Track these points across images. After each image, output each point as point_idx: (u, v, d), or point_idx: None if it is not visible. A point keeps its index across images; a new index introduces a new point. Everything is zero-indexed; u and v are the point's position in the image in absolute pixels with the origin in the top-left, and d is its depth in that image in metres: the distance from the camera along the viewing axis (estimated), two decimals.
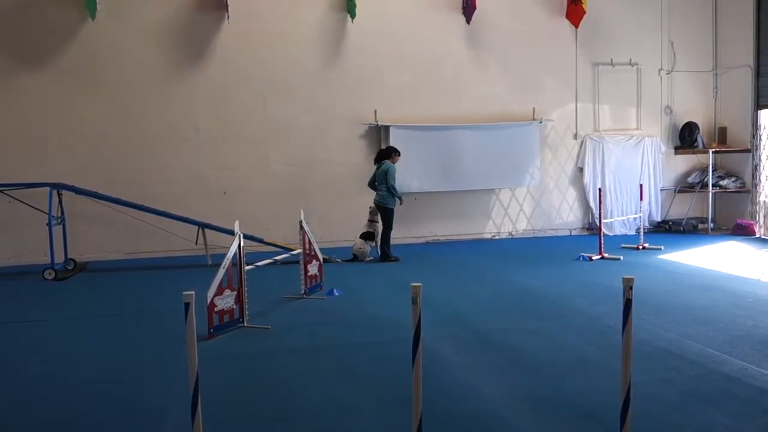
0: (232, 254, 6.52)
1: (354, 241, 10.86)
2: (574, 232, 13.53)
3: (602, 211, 11.02)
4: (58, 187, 10.02)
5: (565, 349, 5.79)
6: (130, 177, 11.24)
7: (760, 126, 12.83)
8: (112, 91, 11.25)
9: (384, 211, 10.54)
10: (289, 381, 5.13)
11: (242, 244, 6.70)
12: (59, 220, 10.13)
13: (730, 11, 13.38)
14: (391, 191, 10.48)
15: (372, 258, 10.70)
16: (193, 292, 3.38)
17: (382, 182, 10.53)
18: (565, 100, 13.27)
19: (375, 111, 12.11)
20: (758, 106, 12.86)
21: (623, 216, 13.17)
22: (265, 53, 11.78)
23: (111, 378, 5.31)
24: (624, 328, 3.25)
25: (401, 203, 10.74)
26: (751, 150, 12.97)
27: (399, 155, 10.83)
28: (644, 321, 6.47)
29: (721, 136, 13.68)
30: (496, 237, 13.11)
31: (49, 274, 9.53)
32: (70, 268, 10.30)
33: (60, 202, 10.19)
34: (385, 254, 10.53)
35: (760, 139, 12.81)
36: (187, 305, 3.28)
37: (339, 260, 10.57)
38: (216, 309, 6.34)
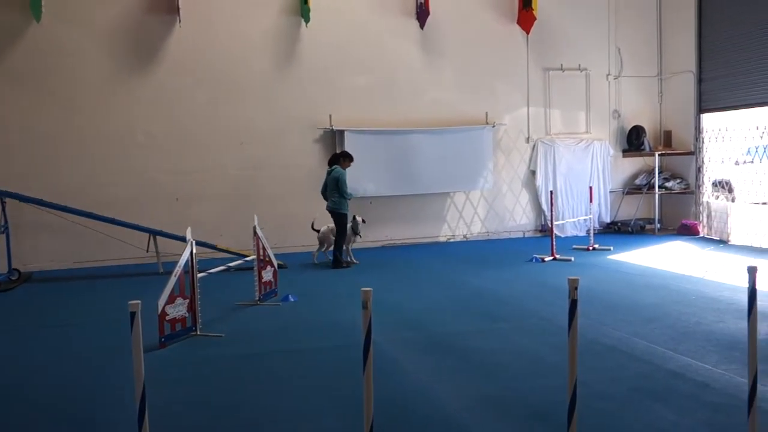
0: (184, 261, 6.44)
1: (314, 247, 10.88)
2: (527, 234, 13.74)
3: (554, 213, 11.24)
4: (1, 194, 9.72)
5: (518, 350, 5.88)
6: (79, 183, 10.99)
7: (702, 129, 13.24)
8: (59, 96, 10.99)
9: (338, 217, 10.40)
10: (244, 389, 5.08)
11: (194, 251, 6.62)
12: (2, 229, 9.81)
13: (674, 19, 13.80)
14: (344, 197, 10.36)
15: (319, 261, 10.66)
16: (139, 301, 3.32)
17: (333, 189, 10.36)
18: (517, 104, 13.48)
19: (330, 115, 12.10)
20: (701, 110, 13.28)
21: (574, 218, 13.45)
22: (218, 57, 11.66)
23: (57, 392, 5.17)
24: (570, 328, 3.32)
25: (358, 223, 10.74)
26: (695, 152, 13.38)
27: (351, 161, 10.68)
28: (593, 320, 6.62)
29: (667, 139, 14.09)
30: (451, 240, 13.23)
31: None
32: (13, 278, 9.95)
33: (3, 209, 9.84)
34: (338, 260, 10.42)
35: (703, 141, 13.22)
36: (132, 315, 3.23)
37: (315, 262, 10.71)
38: (167, 318, 6.25)
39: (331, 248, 10.70)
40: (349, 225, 10.56)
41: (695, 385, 4.84)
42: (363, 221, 10.83)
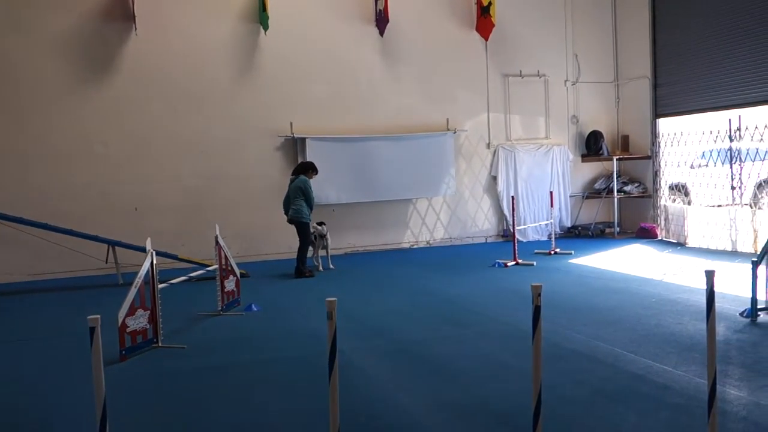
0: (145, 272, 6.32)
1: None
2: (489, 239, 13.85)
3: (515, 218, 11.35)
4: None
5: (481, 356, 5.91)
6: (34, 195, 10.72)
7: (658, 134, 13.55)
8: (14, 105, 10.73)
9: (300, 225, 10.25)
10: (207, 401, 5.00)
11: (155, 261, 6.50)
12: None
13: (629, 26, 14.11)
14: (310, 205, 10.24)
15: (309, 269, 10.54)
16: (99, 316, 3.24)
17: (297, 197, 10.21)
18: (478, 110, 13.61)
19: (291, 123, 12.04)
20: (656, 114, 13.59)
21: (535, 222, 13.60)
22: (175, 65, 11.51)
23: (13, 408, 5.02)
24: (534, 334, 3.35)
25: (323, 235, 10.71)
26: (652, 157, 13.67)
27: (316, 172, 10.57)
28: (556, 324, 6.69)
29: (624, 143, 14.37)
30: (415, 246, 13.26)
31: None
32: None
33: None
34: (300, 270, 10.27)
35: (659, 146, 13.52)
36: (92, 330, 3.15)
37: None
38: (128, 330, 6.12)
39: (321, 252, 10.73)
40: (312, 233, 10.50)
41: (656, 386, 4.92)
42: (322, 224, 10.76)
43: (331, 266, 10.84)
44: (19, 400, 5.18)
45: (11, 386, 5.55)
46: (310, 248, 10.62)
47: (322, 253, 10.93)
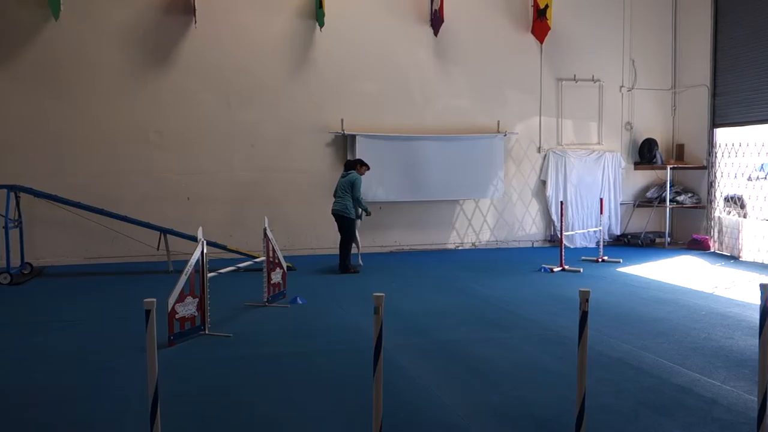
0: (195, 261, 6.47)
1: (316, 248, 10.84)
2: (536, 244, 13.71)
3: (563, 223, 11.21)
4: (15, 189, 9.79)
5: (523, 360, 5.88)
6: (91, 180, 11.07)
7: (715, 144, 13.20)
8: (74, 92, 11.08)
9: (343, 220, 10.26)
10: (251, 389, 5.10)
11: (205, 250, 6.65)
12: (16, 223, 9.90)
13: (689, 33, 13.77)
14: (357, 202, 10.25)
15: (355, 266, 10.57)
16: (155, 299, 3.35)
17: (345, 191, 10.24)
18: (529, 113, 13.48)
19: (341, 120, 12.14)
20: (714, 124, 13.23)
21: (584, 229, 13.41)
22: (231, 59, 11.73)
23: (64, 385, 5.21)
24: (580, 340, 3.33)
25: (368, 215, 10.55)
26: (707, 167, 13.34)
27: (367, 168, 10.63)
28: (601, 332, 6.60)
29: (679, 152, 14.05)
30: (460, 247, 13.22)
31: (5, 278, 9.33)
32: (26, 272, 10.06)
33: (17, 204, 9.92)
34: (345, 266, 10.35)
35: (716, 156, 13.18)
36: (147, 312, 3.25)
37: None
38: (177, 316, 6.28)
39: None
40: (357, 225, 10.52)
41: (703, 401, 4.82)
42: (367, 213, 10.59)
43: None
44: (70, 380, 5.37)
45: (63, 365, 5.75)
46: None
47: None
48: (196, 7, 11.10)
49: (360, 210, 10.38)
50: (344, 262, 10.37)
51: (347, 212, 10.24)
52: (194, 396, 4.98)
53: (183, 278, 6.30)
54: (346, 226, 10.31)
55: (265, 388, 5.14)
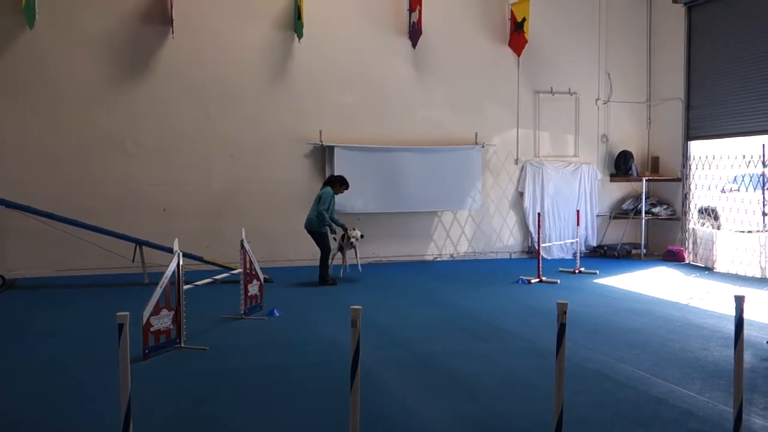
0: (171, 273, 6.39)
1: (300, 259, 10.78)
2: (513, 256, 13.77)
3: (541, 235, 11.27)
4: None
5: (502, 372, 5.88)
6: (65, 191, 10.91)
7: (690, 156, 13.38)
8: (49, 102, 10.94)
9: (315, 235, 10.25)
10: (226, 403, 5.03)
11: (181, 262, 6.57)
12: None
13: (664, 47, 13.99)
14: (320, 216, 10.08)
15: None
16: (128, 313, 3.30)
17: (314, 206, 10.25)
18: (507, 125, 13.57)
19: (320, 131, 12.12)
20: (688, 137, 13.43)
21: (561, 240, 13.50)
22: (210, 69, 11.67)
23: (36, 400, 5.10)
24: (558, 352, 3.33)
25: (332, 233, 10.32)
26: (682, 179, 13.51)
27: (346, 188, 10.56)
28: (578, 344, 6.63)
29: (654, 165, 14.22)
30: (438, 259, 13.23)
31: None
32: None
33: None
34: (323, 278, 10.30)
35: (690, 169, 13.36)
36: (120, 326, 3.19)
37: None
38: (152, 329, 6.19)
39: (344, 261, 10.75)
40: (338, 240, 10.50)
41: (679, 412, 4.85)
42: (360, 236, 10.58)
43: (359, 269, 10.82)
44: (42, 395, 5.26)
45: (34, 379, 5.63)
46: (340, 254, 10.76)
47: (351, 261, 10.84)
48: (174, 18, 11.03)
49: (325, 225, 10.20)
50: (322, 273, 10.31)
51: (314, 226, 10.20)
52: (169, 411, 4.89)
53: (158, 290, 6.22)
54: (318, 240, 10.27)
55: (241, 402, 5.07)
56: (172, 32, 11.15)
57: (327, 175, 11.49)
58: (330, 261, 10.51)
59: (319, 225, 10.17)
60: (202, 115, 11.67)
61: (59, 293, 9.71)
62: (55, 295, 9.61)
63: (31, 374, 5.77)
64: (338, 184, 10.53)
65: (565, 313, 3.27)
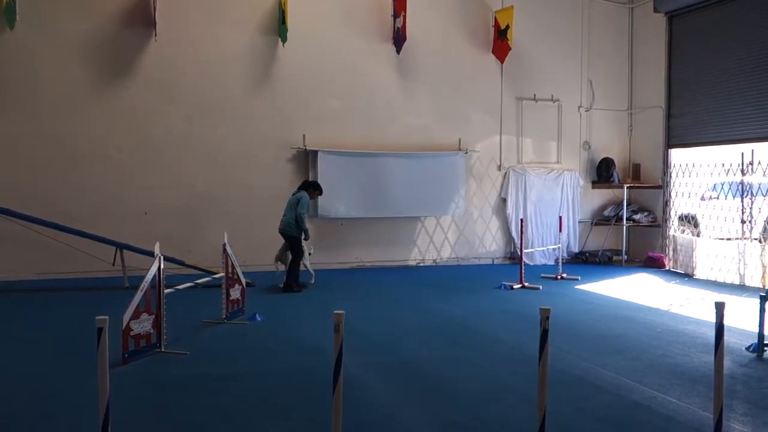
0: (152, 276, 6.33)
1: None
2: (496, 261, 13.81)
3: (523, 241, 11.32)
4: None
5: (485, 378, 5.88)
6: (45, 194, 10.78)
7: (670, 164, 13.52)
8: (29, 104, 10.82)
9: (290, 239, 10.13)
10: (207, 409, 4.98)
11: (162, 266, 6.51)
12: None
13: (645, 55, 14.15)
14: (298, 221, 10.01)
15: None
16: (107, 317, 3.25)
17: (291, 209, 10.11)
18: (490, 132, 13.63)
19: (303, 135, 12.09)
20: (669, 145, 13.57)
21: (543, 246, 13.56)
22: (193, 73, 11.61)
23: (12, 405, 5.01)
24: (540, 358, 3.33)
25: (306, 239, 10.24)
26: (662, 186, 13.64)
27: (320, 194, 10.67)
28: (561, 350, 6.64)
29: (635, 172, 14.35)
30: (421, 264, 13.23)
31: None
32: None
33: None
34: (287, 284, 10.06)
35: (671, 176, 13.49)
36: (99, 330, 3.15)
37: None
38: (132, 333, 6.12)
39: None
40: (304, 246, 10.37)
41: (660, 417, 4.87)
42: (305, 237, 10.37)
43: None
44: (19, 400, 5.18)
45: (11, 385, 5.54)
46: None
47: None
48: (157, 21, 10.96)
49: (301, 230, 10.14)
50: (288, 280, 10.12)
51: (291, 230, 10.10)
52: (148, 416, 4.83)
53: (139, 294, 6.15)
54: (293, 245, 10.17)
55: (221, 408, 5.02)
56: (155, 35, 11.08)
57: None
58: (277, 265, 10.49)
59: (297, 229, 10.10)
60: (184, 118, 11.59)
61: (39, 297, 9.59)
62: (35, 299, 9.48)
63: (8, 379, 5.67)
64: (313, 189, 10.52)
65: (547, 318, 3.28)
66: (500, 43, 13.18)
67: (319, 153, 12.04)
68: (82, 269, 10.73)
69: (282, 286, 10.14)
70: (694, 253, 12.30)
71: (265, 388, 5.53)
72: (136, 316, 6.14)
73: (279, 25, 11.79)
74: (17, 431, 4.54)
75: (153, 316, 6.38)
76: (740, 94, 11.81)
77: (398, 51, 12.69)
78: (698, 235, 12.66)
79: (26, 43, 10.73)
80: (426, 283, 11.13)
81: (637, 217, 13.93)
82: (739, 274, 11.27)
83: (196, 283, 7.77)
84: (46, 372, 5.88)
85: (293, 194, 10.39)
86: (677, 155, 13.44)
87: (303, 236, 10.17)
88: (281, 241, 10.53)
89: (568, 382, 5.69)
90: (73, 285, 10.35)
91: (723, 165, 11.97)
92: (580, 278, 11.54)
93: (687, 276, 12.19)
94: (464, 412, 4.97)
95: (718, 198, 12.34)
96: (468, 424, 4.74)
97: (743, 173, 11.39)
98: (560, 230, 12.29)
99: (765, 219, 11.58)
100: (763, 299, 6.61)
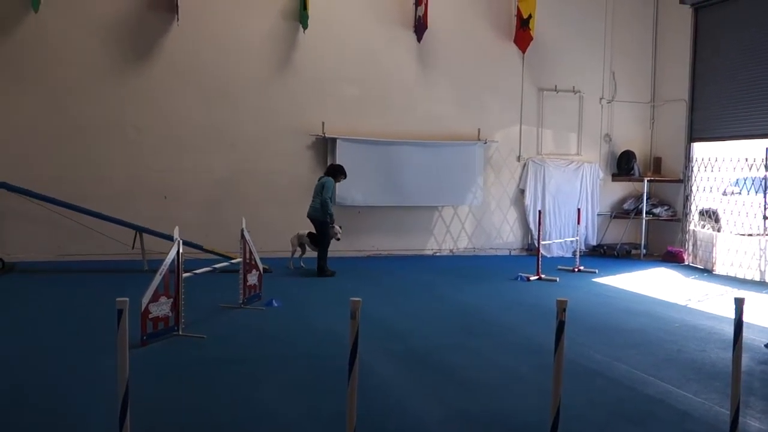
0: (170, 260, 6.38)
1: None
2: (513, 252, 13.77)
3: (541, 232, 11.26)
4: None
5: (498, 368, 5.88)
6: (65, 175, 10.89)
7: (692, 158, 13.36)
8: (51, 86, 10.92)
9: (319, 224, 10.30)
10: (222, 393, 5.03)
11: (181, 250, 6.57)
12: None
13: (669, 48, 13.95)
14: (323, 203, 10.15)
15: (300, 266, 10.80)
16: (127, 299, 3.29)
17: (317, 195, 10.27)
18: (510, 122, 13.54)
19: (323, 123, 12.09)
20: (691, 138, 13.40)
21: (561, 238, 13.49)
22: (213, 58, 11.64)
23: (32, 385, 5.10)
24: (556, 349, 3.32)
25: (331, 223, 10.35)
26: (683, 180, 13.49)
27: (344, 177, 10.66)
28: (576, 342, 6.62)
29: (656, 165, 14.20)
30: (437, 254, 13.23)
31: None
32: None
33: None
34: (322, 269, 10.32)
35: (692, 170, 13.34)
36: (120, 312, 3.19)
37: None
38: (150, 316, 6.19)
39: (302, 254, 10.99)
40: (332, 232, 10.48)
41: (675, 412, 4.85)
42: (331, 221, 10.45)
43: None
44: (36, 379, 5.26)
45: (31, 363, 5.64)
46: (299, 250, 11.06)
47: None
48: (179, 5, 10.99)
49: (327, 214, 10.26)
50: (321, 264, 10.32)
51: (318, 215, 10.22)
52: (165, 397, 4.90)
53: (158, 278, 6.22)
54: (321, 229, 10.29)
55: (236, 391, 5.07)
56: (177, 19, 11.12)
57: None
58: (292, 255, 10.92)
59: (323, 213, 10.18)
60: (204, 103, 11.64)
61: (59, 278, 9.72)
62: (55, 279, 9.62)
63: (28, 358, 5.77)
64: (339, 174, 10.58)
65: (564, 310, 3.27)
66: (522, 32, 13.06)
67: (337, 141, 12.05)
68: (102, 251, 10.85)
69: (306, 267, 10.39)
70: (714, 248, 12.17)
71: (280, 373, 5.58)
72: (155, 299, 6.21)
73: (300, 11, 11.77)
74: (38, 407, 4.62)
75: (171, 300, 6.45)
76: (766, 88, 11.61)
77: (419, 39, 12.63)
78: (719, 231, 12.52)
79: (50, 26, 10.82)
80: (442, 273, 11.13)
81: (656, 210, 13.80)
82: (760, 270, 11.14)
83: (214, 268, 7.82)
84: (66, 351, 5.97)
85: (319, 179, 10.46)
86: (699, 149, 13.28)
87: (328, 219, 10.25)
88: (300, 226, 10.61)
89: (581, 374, 5.68)
90: (93, 267, 10.47)
91: (746, 160, 11.82)
92: (597, 271, 11.47)
93: (706, 271, 12.07)
94: (476, 402, 4.98)
95: (740, 193, 12.19)
96: (480, 413, 4.75)
97: (766, 168, 11.23)
98: (578, 222, 12.22)
99: None
100: None
